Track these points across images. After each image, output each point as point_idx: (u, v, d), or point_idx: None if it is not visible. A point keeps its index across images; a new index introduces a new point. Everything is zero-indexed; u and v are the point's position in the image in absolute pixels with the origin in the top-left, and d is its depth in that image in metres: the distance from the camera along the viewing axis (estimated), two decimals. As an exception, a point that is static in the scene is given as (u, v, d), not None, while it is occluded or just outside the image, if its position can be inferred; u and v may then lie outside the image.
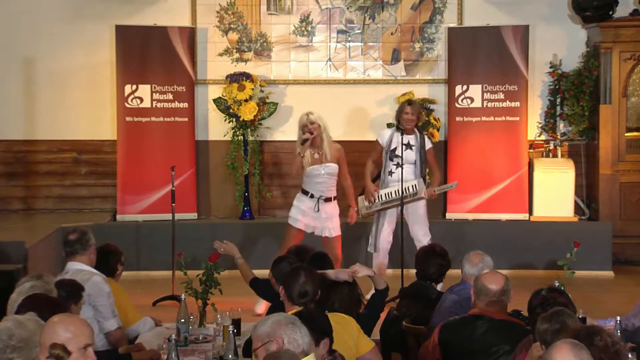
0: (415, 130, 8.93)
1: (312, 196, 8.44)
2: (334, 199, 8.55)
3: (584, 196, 10.91)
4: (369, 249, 9.09)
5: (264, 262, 8.51)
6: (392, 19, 11.06)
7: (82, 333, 3.91)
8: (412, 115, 8.83)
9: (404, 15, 11.05)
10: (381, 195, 8.86)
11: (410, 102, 9.00)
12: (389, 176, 8.87)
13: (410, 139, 8.86)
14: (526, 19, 10.80)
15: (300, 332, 4.06)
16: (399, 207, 8.77)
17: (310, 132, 8.38)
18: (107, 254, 6.39)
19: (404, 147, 8.80)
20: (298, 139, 8.49)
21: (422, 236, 8.92)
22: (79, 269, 5.95)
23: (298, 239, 8.42)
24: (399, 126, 8.86)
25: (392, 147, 8.83)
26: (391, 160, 8.85)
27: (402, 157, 8.77)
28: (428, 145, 8.95)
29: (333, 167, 8.47)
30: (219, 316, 5.99)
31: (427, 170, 9.15)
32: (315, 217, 8.44)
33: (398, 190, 8.76)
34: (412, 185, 8.75)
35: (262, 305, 8.17)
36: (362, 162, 10.97)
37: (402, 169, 8.73)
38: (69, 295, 5.12)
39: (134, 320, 6.24)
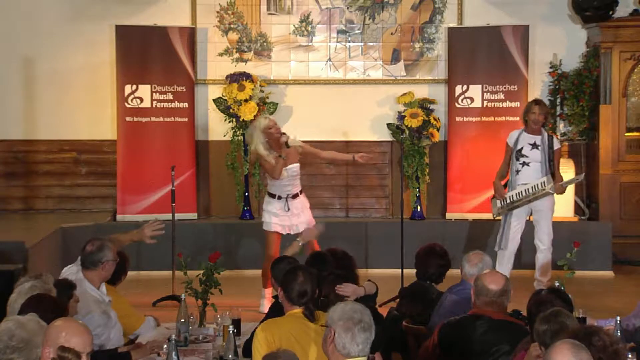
0: (543, 130, 8.88)
1: (279, 197, 8.44)
2: (301, 193, 8.54)
3: (584, 196, 10.92)
4: (495, 248, 8.97)
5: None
6: (392, 19, 11.06)
7: (80, 340, 3.92)
8: (540, 115, 8.81)
9: (404, 15, 11.05)
10: (512, 196, 8.84)
11: (537, 102, 9.00)
12: (516, 175, 8.86)
13: (537, 139, 8.82)
14: (526, 19, 10.80)
15: (354, 337, 4.08)
16: (528, 207, 8.83)
17: (281, 132, 8.39)
18: None
19: (530, 146, 8.80)
20: (260, 144, 8.33)
21: (545, 234, 8.84)
22: (84, 292, 5.71)
23: (277, 242, 8.44)
24: (527, 126, 8.87)
25: (519, 147, 8.84)
26: (517, 159, 8.87)
27: (528, 156, 8.78)
28: (556, 145, 8.89)
29: (295, 167, 8.47)
30: (219, 316, 5.98)
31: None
32: (287, 216, 8.42)
33: (528, 189, 8.75)
34: (541, 182, 8.75)
35: (266, 305, 8.19)
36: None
37: (528, 167, 8.78)
38: (59, 294, 5.08)
39: (138, 324, 6.19)
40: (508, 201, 8.87)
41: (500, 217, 9.02)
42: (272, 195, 8.48)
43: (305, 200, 8.58)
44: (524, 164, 8.82)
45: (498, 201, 8.96)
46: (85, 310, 5.55)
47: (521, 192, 8.81)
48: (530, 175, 8.77)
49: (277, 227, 8.42)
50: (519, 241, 8.93)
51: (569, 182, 9.02)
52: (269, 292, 8.35)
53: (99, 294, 5.87)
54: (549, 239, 8.84)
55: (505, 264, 8.78)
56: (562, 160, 10.63)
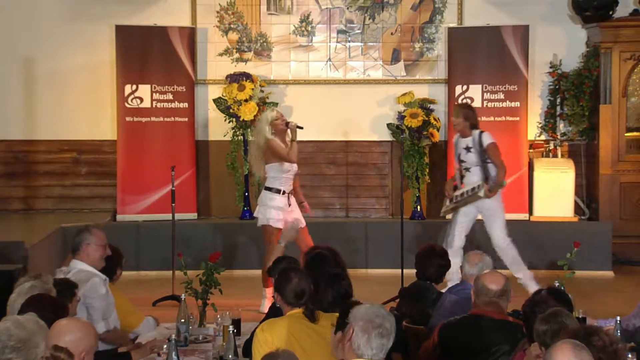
0: (473, 131, 8.82)
1: (283, 192, 8.41)
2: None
3: (584, 196, 10.91)
4: (444, 245, 9.04)
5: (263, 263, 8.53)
6: (392, 19, 11.06)
7: (85, 338, 3.92)
8: (457, 118, 8.82)
9: (404, 15, 11.05)
10: (456, 196, 8.89)
11: (456, 105, 9.11)
12: (462, 179, 8.96)
13: (468, 141, 8.82)
14: (526, 19, 10.79)
15: (370, 340, 4.05)
16: (477, 209, 8.85)
17: (286, 122, 8.41)
18: (107, 256, 6.28)
19: (465, 151, 8.83)
20: (265, 132, 8.35)
21: (499, 239, 8.79)
22: (81, 269, 5.92)
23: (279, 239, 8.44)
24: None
25: (458, 152, 8.91)
26: (460, 164, 8.95)
27: (466, 161, 8.82)
28: (485, 142, 8.78)
29: (296, 165, 8.53)
30: (219, 316, 5.99)
31: None
32: (289, 211, 8.41)
33: (468, 191, 8.79)
34: (477, 186, 8.75)
35: (267, 305, 8.20)
36: (362, 162, 11.08)
37: (470, 172, 8.81)
38: (62, 294, 5.11)
39: (137, 323, 6.22)
40: (452, 201, 8.94)
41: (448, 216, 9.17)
42: (277, 191, 8.40)
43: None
44: (465, 169, 8.88)
45: (447, 200, 9.03)
46: (85, 277, 5.70)
47: (462, 193, 8.87)
48: (472, 180, 8.78)
49: (283, 224, 8.41)
50: (464, 240, 8.88)
51: (495, 187, 8.84)
52: (269, 292, 8.34)
53: (97, 272, 5.95)
54: (504, 242, 8.76)
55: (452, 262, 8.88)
56: (562, 160, 10.67)
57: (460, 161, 8.88)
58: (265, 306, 8.14)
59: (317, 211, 10.92)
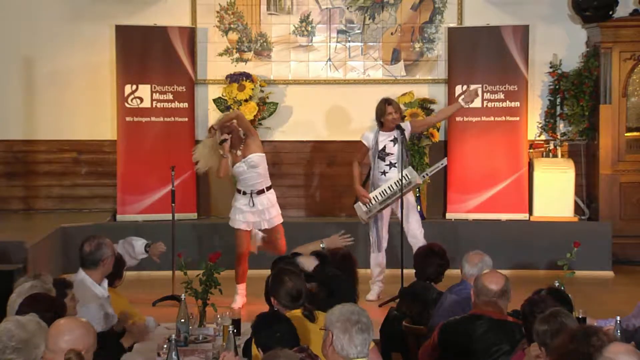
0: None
1: (244, 193, 8.47)
2: (267, 190, 8.52)
3: (584, 196, 10.91)
4: (372, 251, 9.04)
5: (262, 262, 8.51)
6: (392, 19, 11.06)
7: (85, 337, 3.93)
8: (396, 114, 8.87)
9: (404, 15, 11.05)
10: (376, 196, 8.85)
11: (389, 102, 8.98)
12: (383, 176, 8.89)
13: (394, 134, 8.86)
14: (526, 19, 10.79)
15: (352, 338, 4.08)
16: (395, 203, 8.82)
17: (228, 132, 8.35)
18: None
19: (392, 143, 8.83)
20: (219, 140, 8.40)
21: (417, 229, 8.88)
22: (84, 285, 5.82)
23: (246, 238, 8.49)
24: (383, 126, 8.92)
25: (381, 146, 8.87)
26: (383, 160, 8.89)
27: (393, 153, 8.79)
28: (407, 127, 8.90)
29: (253, 157, 8.43)
30: (219, 316, 5.99)
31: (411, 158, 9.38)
32: (253, 211, 8.45)
33: (392, 186, 8.77)
34: (405, 176, 8.73)
35: (238, 302, 8.28)
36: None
37: (395, 168, 8.77)
38: (57, 294, 5.09)
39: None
40: (374, 202, 8.87)
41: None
42: (238, 191, 8.55)
43: (270, 199, 8.54)
44: (390, 164, 8.85)
45: (363, 206, 8.92)
46: (82, 301, 5.59)
47: (385, 190, 8.82)
48: (397, 175, 8.75)
49: (243, 225, 8.46)
50: (387, 238, 9.03)
51: (433, 170, 9.04)
52: (242, 288, 8.42)
53: (99, 290, 5.90)
54: (421, 233, 8.85)
55: (382, 264, 8.97)
56: (562, 160, 10.67)
57: (386, 155, 8.83)
58: (237, 302, 8.25)
59: (317, 211, 10.95)
